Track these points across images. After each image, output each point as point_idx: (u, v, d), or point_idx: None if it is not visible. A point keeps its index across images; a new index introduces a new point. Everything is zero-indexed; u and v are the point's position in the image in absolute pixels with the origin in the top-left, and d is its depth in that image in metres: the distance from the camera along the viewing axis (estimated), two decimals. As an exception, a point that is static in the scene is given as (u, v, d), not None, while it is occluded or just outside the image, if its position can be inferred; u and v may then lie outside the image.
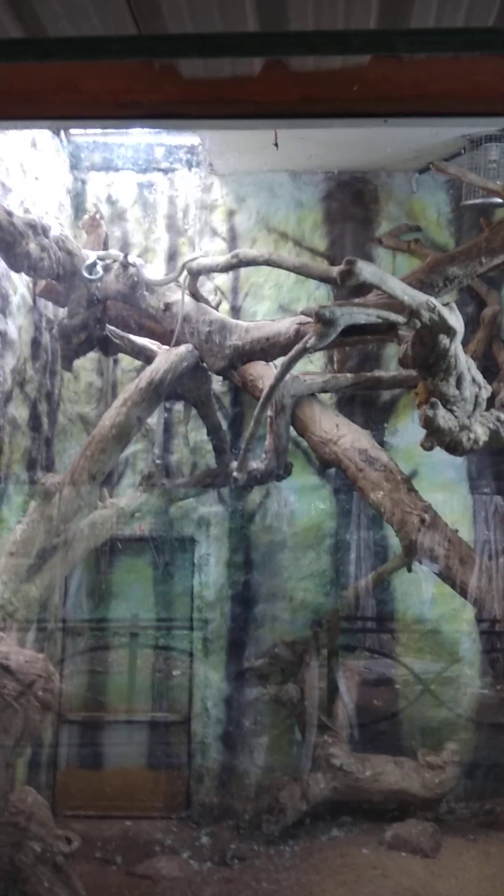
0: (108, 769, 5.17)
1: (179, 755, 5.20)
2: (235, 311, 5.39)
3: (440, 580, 4.30)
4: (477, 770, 5.03)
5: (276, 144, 4.04)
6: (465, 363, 3.60)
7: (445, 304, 3.41)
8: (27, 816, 3.37)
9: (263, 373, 4.56)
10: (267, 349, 4.24)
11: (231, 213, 5.47)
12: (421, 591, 5.15)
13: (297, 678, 4.98)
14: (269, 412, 4.55)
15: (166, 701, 5.22)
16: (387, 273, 3.22)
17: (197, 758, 5.17)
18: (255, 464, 4.65)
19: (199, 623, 5.22)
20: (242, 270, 5.28)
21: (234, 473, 4.16)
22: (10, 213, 3.74)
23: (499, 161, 4.29)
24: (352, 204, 5.37)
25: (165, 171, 5.48)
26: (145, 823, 4.92)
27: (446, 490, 5.28)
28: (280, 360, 3.83)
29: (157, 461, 5.25)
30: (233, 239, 5.44)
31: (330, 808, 4.83)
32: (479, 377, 3.69)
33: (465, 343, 5.04)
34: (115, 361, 5.41)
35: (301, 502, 5.34)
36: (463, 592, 4.29)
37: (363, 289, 3.58)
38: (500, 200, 3.88)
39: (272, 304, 5.42)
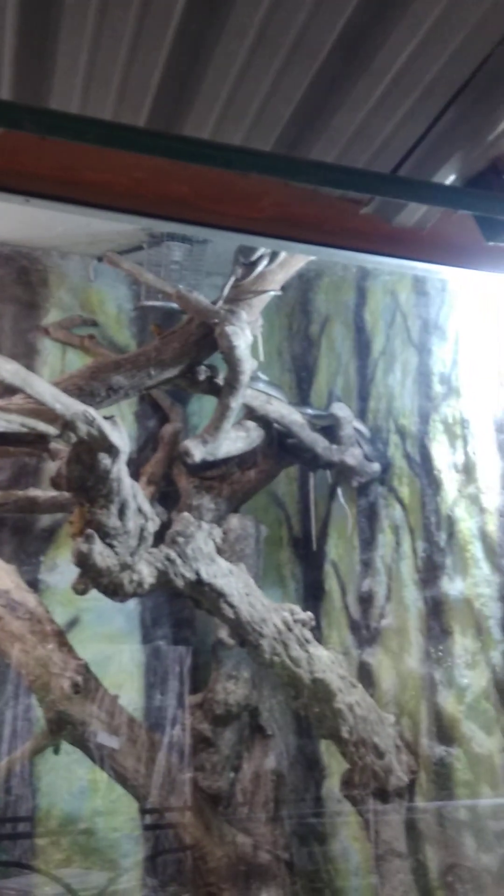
0: None
1: None
2: None
3: (95, 764, 4.27)
4: None
5: None
6: (131, 489, 3.79)
7: (108, 418, 3.60)
8: None
9: None
10: None
11: None
12: (71, 781, 5.01)
13: None
14: None
15: None
16: (32, 374, 3.32)
17: None
18: None
19: None
20: None
21: None
22: None
23: (182, 263, 4.78)
24: (14, 283, 5.49)
25: None
26: None
27: (114, 642, 5.33)
28: None
29: None
30: None
31: None
32: (147, 506, 3.90)
33: (141, 464, 5.37)
34: None
35: None
36: (122, 779, 4.30)
37: (11, 387, 3.62)
38: (177, 306, 4.28)
39: None
